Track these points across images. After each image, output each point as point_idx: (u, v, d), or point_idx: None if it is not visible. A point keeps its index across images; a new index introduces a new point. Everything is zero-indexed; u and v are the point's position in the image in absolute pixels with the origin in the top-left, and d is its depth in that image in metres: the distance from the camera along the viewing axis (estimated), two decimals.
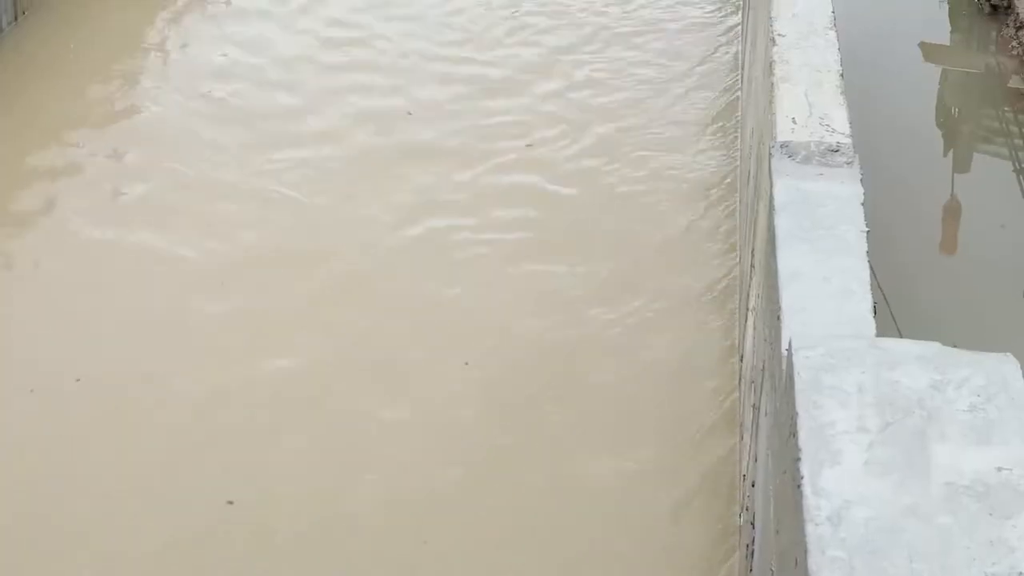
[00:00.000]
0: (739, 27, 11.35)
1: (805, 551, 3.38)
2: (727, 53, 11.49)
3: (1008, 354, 3.92)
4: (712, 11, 12.35)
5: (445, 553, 6.72)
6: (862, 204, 5.41)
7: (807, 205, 5.36)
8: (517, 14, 12.21)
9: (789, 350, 4.01)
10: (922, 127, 10.73)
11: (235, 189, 9.42)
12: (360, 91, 10.73)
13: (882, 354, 3.91)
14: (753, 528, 5.49)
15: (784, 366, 4.21)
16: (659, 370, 7.86)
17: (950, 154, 10.58)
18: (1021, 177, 10.22)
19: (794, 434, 3.73)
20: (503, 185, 9.65)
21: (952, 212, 9.53)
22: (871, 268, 5.07)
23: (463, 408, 7.60)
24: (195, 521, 6.81)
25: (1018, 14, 11.89)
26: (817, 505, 3.47)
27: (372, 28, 11.78)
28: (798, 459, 3.62)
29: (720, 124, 10.33)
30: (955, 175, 10.14)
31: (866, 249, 5.13)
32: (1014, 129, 10.84)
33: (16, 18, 11.32)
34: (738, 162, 9.48)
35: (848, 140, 5.89)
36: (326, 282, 8.58)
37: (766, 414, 5.04)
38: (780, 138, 5.88)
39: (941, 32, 12.59)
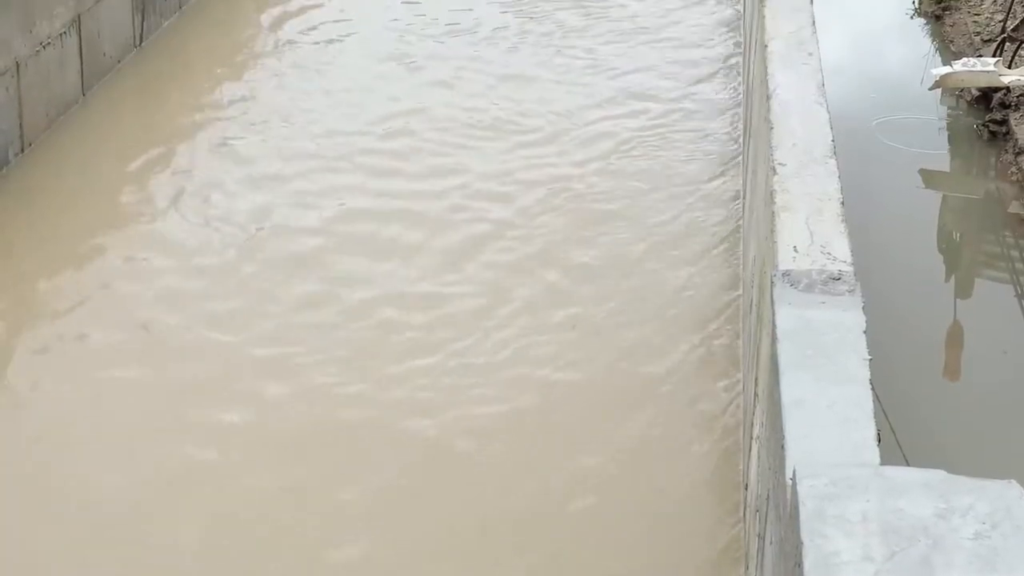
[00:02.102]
0: None
1: None
2: None
3: (1012, 481, 3.93)
4: None
5: None
6: (864, 332, 5.43)
7: (810, 333, 5.38)
8: None
9: (793, 479, 4.02)
10: (923, 253, 10.78)
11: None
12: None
13: (886, 482, 3.92)
14: None
15: (788, 495, 4.21)
16: None
17: (951, 279, 10.62)
18: (1023, 302, 10.25)
19: (799, 564, 3.73)
20: None
21: (954, 338, 9.55)
22: (875, 395, 5.07)
23: None
24: None
25: (1017, 140, 12.00)
26: None
27: None
28: None
29: None
30: (957, 300, 10.18)
31: (869, 377, 5.14)
32: (1015, 254, 10.89)
33: (23, 149, 11.43)
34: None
35: (850, 268, 5.92)
36: None
37: (771, 543, 5.03)
38: (782, 266, 5.92)
39: (941, 158, 12.69)
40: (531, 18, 15.20)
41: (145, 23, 14.01)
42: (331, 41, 14.55)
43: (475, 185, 11.34)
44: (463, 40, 14.61)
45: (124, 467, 7.97)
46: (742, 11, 14.74)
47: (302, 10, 15.44)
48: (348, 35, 14.70)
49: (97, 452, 8.12)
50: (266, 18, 15.10)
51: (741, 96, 12.72)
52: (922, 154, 12.27)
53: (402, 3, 15.62)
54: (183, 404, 8.46)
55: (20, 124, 11.37)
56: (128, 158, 11.64)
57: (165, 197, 10.97)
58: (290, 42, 14.46)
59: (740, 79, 13.22)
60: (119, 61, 13.42)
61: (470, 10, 15.42)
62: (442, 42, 14.55)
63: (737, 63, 13.92)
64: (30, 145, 11.53)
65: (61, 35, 12.07)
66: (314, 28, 14.86)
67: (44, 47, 11.75)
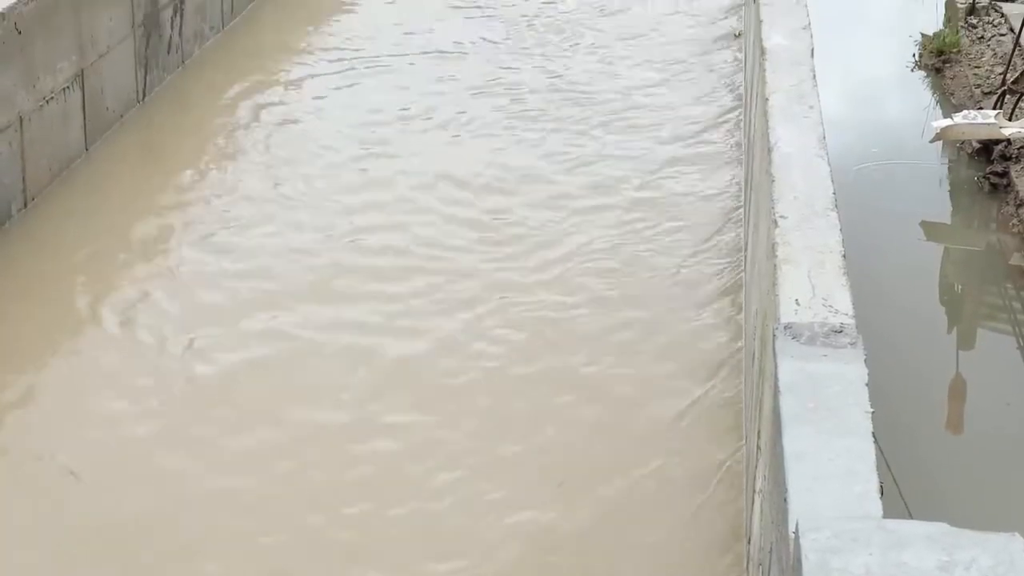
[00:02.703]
0: None
1: None
2: None
3: (1015, 533, 3.92)
4: None
5: None
6: (866, 384, 5.43)
7: (812, 386, 5.38)
8: None
9: (796, 532, 4.01)
10: (925, 305, 10.79)
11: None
12: None
13: (889, 535, 3.91)
14: None
15: (791, 548, 4.21)
16: None
17: (954, 331, 10.63)
18: None
19: None
20: None
21: (957, 390, 9.55)
22: (879, 448, 5.07)
23: None
24: None
25: (1018, 192, 12.02)
26: None
27: None
28: None
29: None
30: (959, 352, 10.18)
31: (871, 429, 5.14)
32: (1016, 306, 10.91)
33: (25, 204, 11.45)
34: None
35: (851, 321, 5.93)
36: None
37: None
38: (783, 319, 5.92)
39: (942, 211, 12.72)
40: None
41: (148, 77, 14.06)
42: (321, 98, 14.52)
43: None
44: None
45: None
46: (743, 64, 14.79)
47: (303, 68, 15.51)
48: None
49: None
50: (263, 75, 15.12)
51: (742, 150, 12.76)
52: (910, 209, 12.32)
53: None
54: None
55: (23, 179, 11.39)
56: (130, 213, 11.63)
57: (167, 256, 10.96)
58: (286, 103, 14.42)
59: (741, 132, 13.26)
60: (122, 116, 13.45)
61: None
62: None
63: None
64: (33, 200, 11.55)
65: (64, 90, 12.11)
66: (316, 97, 14.77)
67: (47, 102, 11.79)
